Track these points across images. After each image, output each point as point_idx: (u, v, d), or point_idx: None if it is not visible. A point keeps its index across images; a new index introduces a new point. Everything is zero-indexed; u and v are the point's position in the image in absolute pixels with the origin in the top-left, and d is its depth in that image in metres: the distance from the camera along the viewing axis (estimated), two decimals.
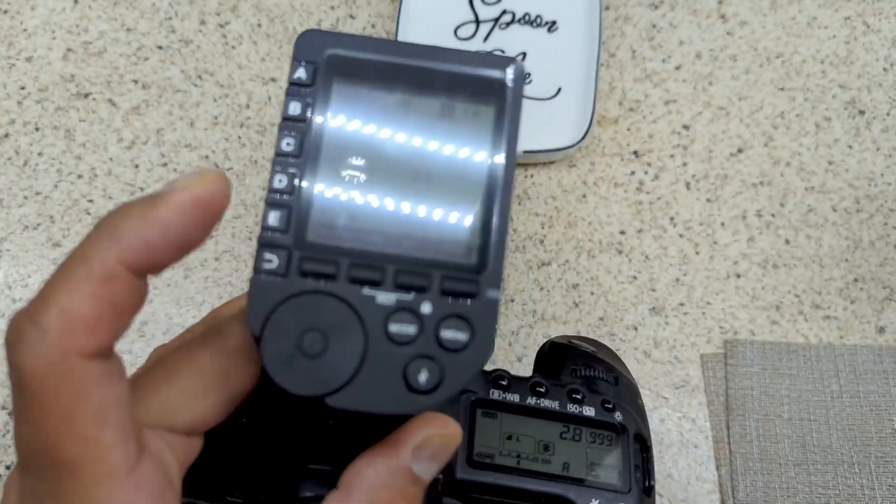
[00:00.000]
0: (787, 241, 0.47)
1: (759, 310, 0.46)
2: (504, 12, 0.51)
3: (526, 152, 0.46)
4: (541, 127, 0.48)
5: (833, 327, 0.45)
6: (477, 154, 0.21)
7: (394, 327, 0.19)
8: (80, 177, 0.46)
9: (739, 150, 0.49)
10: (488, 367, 0.28)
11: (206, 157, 0.47)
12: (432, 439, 0.20)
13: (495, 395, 0.27)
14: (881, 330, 0.45)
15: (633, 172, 0.49)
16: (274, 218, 0.20)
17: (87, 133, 0.47)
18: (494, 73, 0.21)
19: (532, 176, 0.48)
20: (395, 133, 0.21)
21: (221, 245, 0.45)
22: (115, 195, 0.46)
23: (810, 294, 0.46)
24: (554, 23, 0.51)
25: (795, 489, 0.42)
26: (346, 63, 0.21)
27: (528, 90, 0.49)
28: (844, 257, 0.47)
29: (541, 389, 0.27)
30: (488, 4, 0.51)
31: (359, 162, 0.20)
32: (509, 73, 0.21)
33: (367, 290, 0.19)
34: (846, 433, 0.43)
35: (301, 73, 0.21)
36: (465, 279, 0.19)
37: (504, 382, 0.27)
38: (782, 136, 0.50)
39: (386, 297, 0.19)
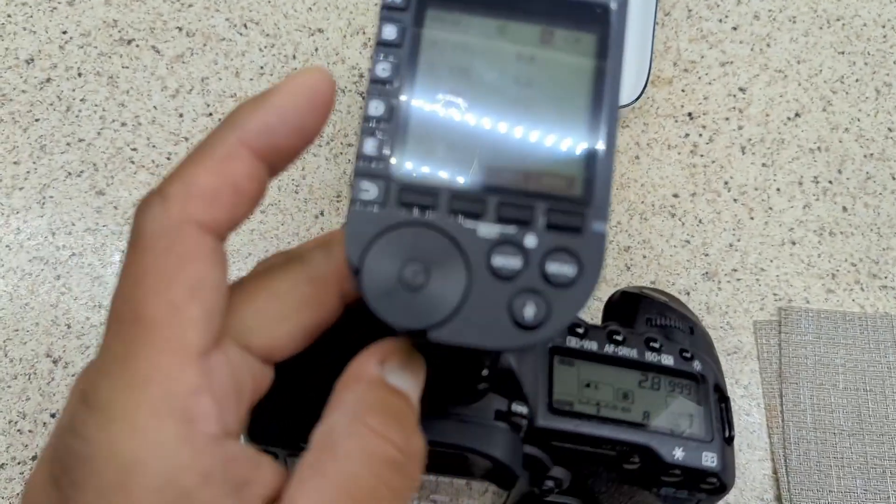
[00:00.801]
0: (845, 209, 0.46)
1: (815, 278, 0.45)
2: None
3: None
4: None
5: (890, 297, 0.44)
6: (580, 82, 0.19)
7: (497, 260, 0.18)
8: (123, 125, 0.45)
9: (797, 115, 0.48)
10: None
11: None
12: (393, 348, 0.20)
13: (572, 342, 0.26)
14: None
15: (687, 135, 0.47)
16: (371, 146, 0.19)
17: (131, 80, 0.46)
18: None
19: None
20: (494, 60, 0.20)
21: (267, 198, 0.44)
22: (159, 144, 0.45)
23: (867, 263, 0.45)
24: None
25: (850, 459, 0.41)
26: None
27: None
28: None
29: (618, 338, 0.26)
30: None
31: (457, 89, 0.19)
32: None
33: (468, 223, 0.19)
34: None
35: None
36: (571, 212, 0.19)
37: (580, 330, 0.26)
38: (841, 102, 0.48)
39: (488, 230, 0.18)
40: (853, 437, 0.41)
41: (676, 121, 0.48)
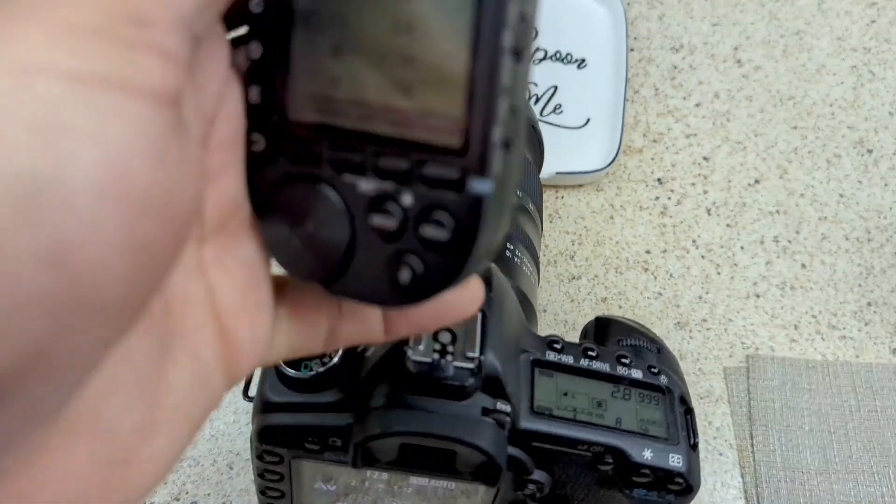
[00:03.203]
0: (804, 266, 0.50)
1: (779, 328, 0.48)
2: (537, 49, 0.55)
3: (558, 174, 0.50)
4: (571, 153, 0.51)
5: (849, 347, 0.48)
6: (462, 9, 0.16)
7: (376, 219, 0.16)
8: None
9: (756, 181, 0.52)
10: (543, 332, 0.30)
11: None
12: None
13: (551, 356, 0.29)
14: (895, 351, 0.48)
15: (657, 198, 0.52)
16: (255, 94, 0.17)
17: None
18: None
19: (563, 197, 0.51)
20: (371, 5, 0.16)
21: None
22: None
23: (826, 315, 0.48)
24: (583, 60, 0.55)
25: (819, 496, 0.43)
26: None
27: (559, 119, 0.53)
28: (857, 283, 0.49)
29: (592, 353, 0.29)
30: None
31: (335, 21, 0.17)
32: None
33: (348, 177, 0.17)
34: (866, 444, 0.44)
35: None
36: (445, 165, 0.16)
37: (558, 346, 0.29)
38: (796, 170, 0.53)
39: (367, 185, 0.16)
40: (821, 475, 0.44)
41: (647, 185, 0.52)
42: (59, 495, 0.13)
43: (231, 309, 0.17)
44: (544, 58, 0.55)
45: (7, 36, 0.11)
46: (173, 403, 0.15)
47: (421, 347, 0.25)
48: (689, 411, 0.29)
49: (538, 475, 0.28)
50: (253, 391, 0.29)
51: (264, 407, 0.27)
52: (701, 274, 0.49)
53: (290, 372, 0.27)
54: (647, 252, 0.50)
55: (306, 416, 0.27)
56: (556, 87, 0.54)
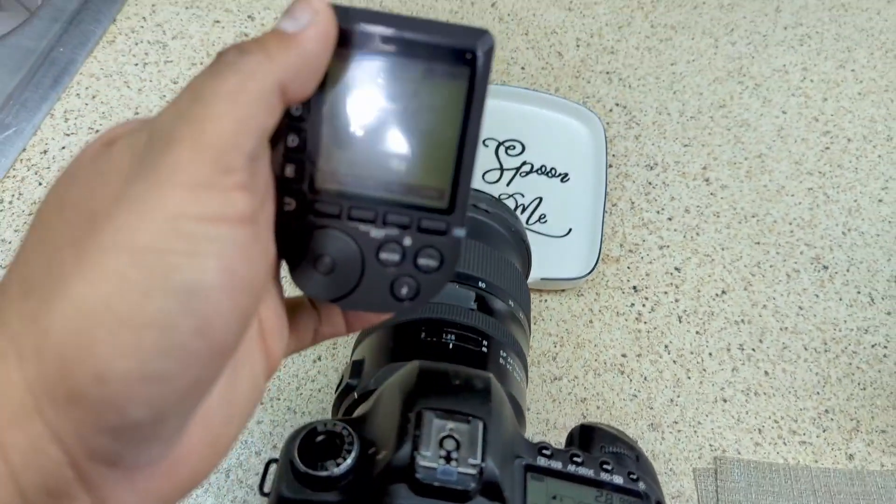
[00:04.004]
0: (766, 373, 0.54)
1: (744, 432, 0.51)
2: (524, 163, 0.60)
3: (542, 279, 0.53)
4: (554, 260, 0.55)
5: (808, 452, 0.51)
6: (452, 116, 0.24)
7: (384, 255, 0.25)
8: None
9: (723, 292, 0.57)
10: (529, 430, 0.33)
11: None
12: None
13: (541, 461, 0.32)
14: (850, 457, 0.51)
15: (632, 304, 0.56)
16: (290, 170, 0.24)
17: None
18: (468, 44, 0.23)
19: (546, 301, 0.55)
20: (382, 96, 0.24)
21: None
22: None
23: (787, 421, 0.52)
24: (566, 175, 0.59)
25: None
26: (345, 34, 0.24)
27: (544, 228, 0.57)
28: (816, 391, 0.53)
29: (577, 459, 0.32)
30: (511, 156, 0.60)
31: (354, 122, 0.24)
32: (480, 45, 0.23)
33: (363, 226, 0.25)
34: None
35: None
36: (437, 220, 0.25)
37: (548, 452, 0.32)
38: (759, 283, 0.58)
39: (377, 232, 0.25)
40: None
41: (623, 292, 0.56)
42: (186, 473, 0.22)
43: (270, 332, 0.25)
44: (531, 171, 0.59)
45: (158, 195, 0.19)
46: (240, 402, 0.23)
47: (429, 454, 0.28)
48: None
49: None
50: (268, 486, 0.31)
51: (279, 502, 0.30)
52: (672, 378, 0.53)
53: (306, 470, 0.29)
54: (623, 356, 0.53)
55: None
56: (540, 199, 0.58)
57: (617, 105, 0.66)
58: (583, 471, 0.32)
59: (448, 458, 0.28)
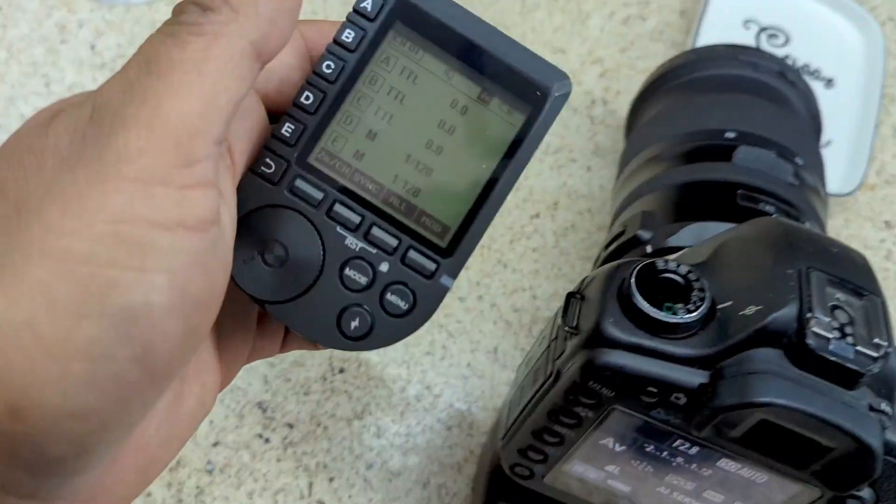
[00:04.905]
0: None
1: None
2: (787, 57, 0.52)
3: None
4: None
5: None
6: (492, 151, 0.21)
7: (349, 272, 0.20)
8: None
9: None
10: None
11: None
12: None
13: None
14: None
15: (882, 240, 0.49)
16: (287, 129, 0.20)
17: None
18: (543, 81, 0.21)
19: None
20: (429, 98, 0.21)
21: None
22: None
23: None
24: (832, 80, 0.52)
25: None
26: (411, 12, 0.20)
27: None
28: None
29: None
30: (774, 46, 0.52)
31: (384, 110, 0.21)
32: (556, 88, 0.21)
33: (340, 230, 0.20)
34: None
35: (368, 4, 0.21)
36: (428, 258, 0.20)
37: None
38: None
39: (354, 242, 0.20)
40: None
41: (874, 225, 0.49)
42: (113, 498, 0.18)
43: (230, 341, 0.22)
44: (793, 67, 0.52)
45: (101, 192, 0.15)
46: (183, 422, 0.20)
47: (825, 319, 0.23)
48: None
49: (865, 491, 0.25)
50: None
51: (601, 341, 0.24)
52: None
53: (650, 311, 0.24)
54: None
55: (655, 363, 0.24)
56: None
57: (890, 20, 0.57)
58: None
59: (842, 332, 0.23)
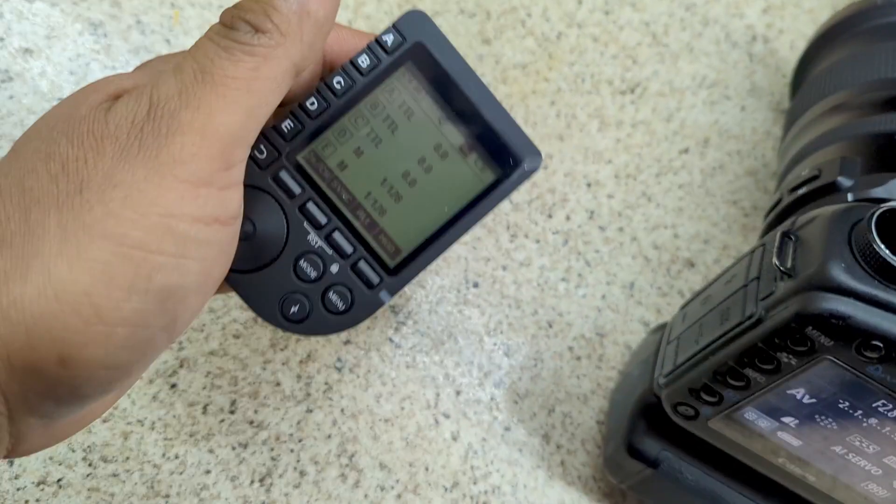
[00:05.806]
0: None
1: None
2: None
3: None
4: None
5: None
6: (457, 197, 0.24)
7: (303, 263, 0.23)
8: None
9: None
10: None
11: (647, 23, 0.45)
12: None
13: None
14: None
15: None
16: (287, 125, 0.23)
17: None
18: (518, 152, 0.24)
19: None
20: (419, 135, 0.23)
21: (639, 114, 0.43)
22: (552, 18, 0.43)
23: None
24: None
25: None
26: (424, 57, 0.23)
27: None
28: None
29: None
30: None
31: (376, 133, 0.23)
32: (528, 161, 0.24)
33: (307, 225, 0.23)
34: None
35: (389, 38, 0.23)
36: (375, 271, 0.23)
37: None
38: None
39: (315, 239, 0.23)
40: None
41: None
42: (93, 417, 0.22)
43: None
44: None
45: (157, 188, 0.18)
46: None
47: None
48: None
49: None
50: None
51: (827, 286, 0.23)
52: None
53: (892, 259, 0.22)
54: None
55: (888, 317, 0.22)
56: None
57: None
58: None
59: None
